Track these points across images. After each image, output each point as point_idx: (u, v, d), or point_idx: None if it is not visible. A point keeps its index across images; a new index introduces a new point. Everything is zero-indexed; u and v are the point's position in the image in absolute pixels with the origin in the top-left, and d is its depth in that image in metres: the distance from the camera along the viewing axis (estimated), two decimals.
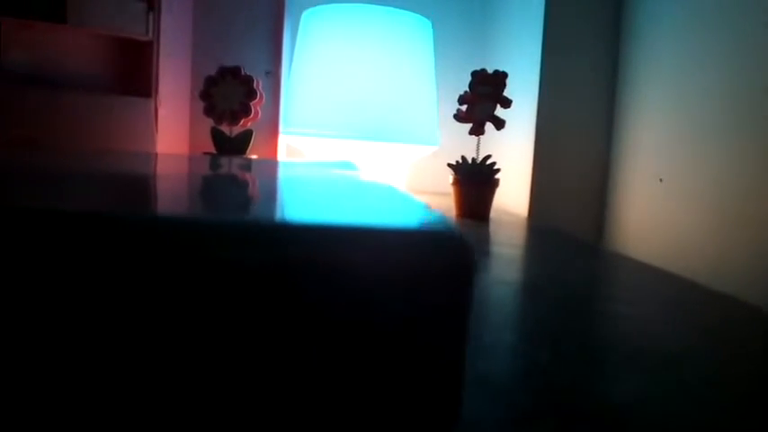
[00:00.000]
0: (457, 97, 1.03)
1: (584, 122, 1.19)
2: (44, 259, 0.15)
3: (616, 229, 1.16)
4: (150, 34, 1.23)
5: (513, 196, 1.23)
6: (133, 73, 1.29)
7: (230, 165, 0.51)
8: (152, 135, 1.23)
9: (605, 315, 0.46)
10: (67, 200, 0.23)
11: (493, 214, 1.03)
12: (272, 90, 1.39)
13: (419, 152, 1.26)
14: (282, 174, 0.42)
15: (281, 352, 0.17)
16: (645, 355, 0.36)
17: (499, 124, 0.99)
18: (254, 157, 1.08)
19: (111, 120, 1.23)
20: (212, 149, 1.09)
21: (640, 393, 0.30)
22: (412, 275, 0.17)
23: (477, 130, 1.00)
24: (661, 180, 1.02)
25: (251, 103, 1.05)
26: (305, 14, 1.26)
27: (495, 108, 0.99)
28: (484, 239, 0.82)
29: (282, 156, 1.46)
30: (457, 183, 1.01)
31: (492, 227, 0.94)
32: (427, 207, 0.23)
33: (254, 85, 1.06)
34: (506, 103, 0.99)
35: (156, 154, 1.12)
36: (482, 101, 1.00)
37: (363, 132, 1.16)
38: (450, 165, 1.02)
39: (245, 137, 1.07)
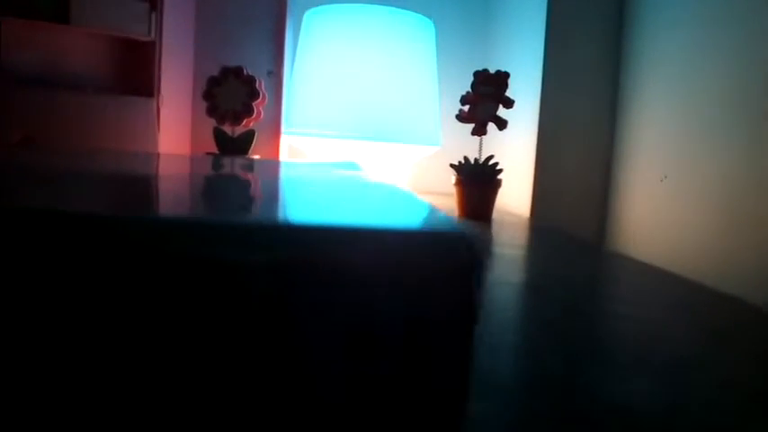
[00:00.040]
0: (459, 97, 1.02)
1: (586, 122, 1.19)
2: (47, 259, 0.15)
3: (618, 229, 1.15)
4: (152, 34, 1.23)
5: (515, 196, 1.23)
6: (135, 73, 1.29)
7: (236, 165, 0.51)
8: (154, 135, 1.23)
9: (610, 316, 0.46)
10: (70, 201, 0.23)
11: (495, 214, 1.03)
12: (274, 90, 1.39)
13: (421, 152, 1.25)
14: (290, 175, 0.41)
15: (292, 352, 0.17)
16: (652, 356, 0.36)
17: (501, 124, 0.99)
18: (256, 157, 1.08)
19: (113, 120, 1.23)
20: (214, 149, 1.09)
21: (649, 395, 0.30)
22: (422, 276, 0.17)
23: (480, 131, 1.00)
24: (663, 180, 1.01)
25: (253, 104, 1.05)
26: (307, 14, 1.26)
27: (497, 108, 0.99)
28: (487, 240, 0.81)
29: (284, 156, 1.46)
30: (459, 183, 1.01)
31: (494, 227, 0.94)
32: (434, 208, 0.23)
33: (257, 85, 1.06)
34: (509, 104, 0.99)
35: (159, 154, 1.12)
36: (484, 101, 1.00)
37: (365, 132, 1.16)
38: (452, 165, 1.02)
39: (248, 137, 1.07)
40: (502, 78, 0.99)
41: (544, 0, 1.16)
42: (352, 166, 0.49)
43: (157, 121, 1.24)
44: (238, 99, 1.05)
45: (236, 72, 1.06)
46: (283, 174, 0.42)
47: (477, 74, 1.01)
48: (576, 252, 0.80)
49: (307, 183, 0.35)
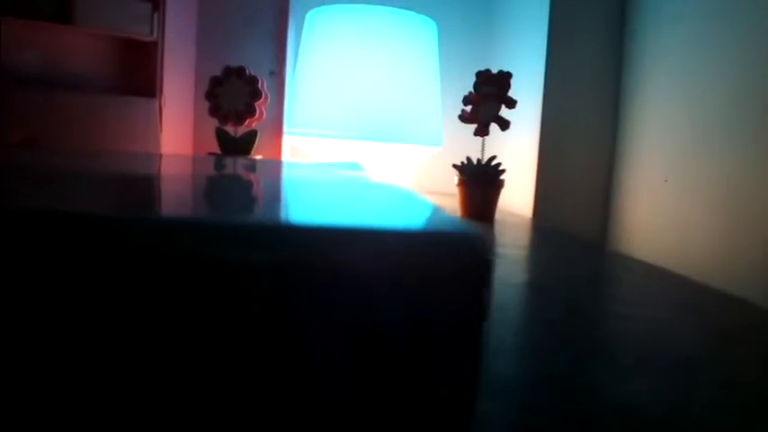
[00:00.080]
0: (461, 98, 1.02)
1: (589, 123, 1.19)
2: (49, 260, 0.15)
3: (621, 230, 1.15)
4: (155, 34, 1.23)
5: (517, 197, 1.23)
6: (137, 73, 1.29)
7: (240, 166, 0.51)
8: (156, 135, 1.23)
9: (614, 317, 0.46)
10: (70, 201, 0.22)
11: (497, 215, 1.03)
12: (277, 90, 1.39)
13: (423, 152, 1.25)
14: (295, 175, 0.41)
15: (298, 354, 0.16)
16: (657, 357, 0.36)
17: (504, 125, 0.99)
18: (258, 157, 1.08)
19: (115, 120, 1.23)
20: (216, 150, 1.09)
21: (654, 396, 0.30)
22: (431, 276, 0.17)
23: (482, 131, 1.00)
24: (666, 180, 1.01)
25: (256, 104, 1.05)
26: (309, 15, 1.26)
27: (499, 109, 0.99)
28: (489, 240, 0.81)
29: (286, 156, 1.46)
30: (462, 183, 1.01)
31: (497, 228, 0.94)
32: (440, 208, 0.23)
33: (259, 85, 1.06)
34: (511, 104, 0.99)
35: (161, 154, 1.12)
36: (487, 101, 0.99)
37: (367, 133, 1.16)
38: (455, 165, 1.02)
39: (250, 137, 1.07)
40: (504, 78, 0.99)
41: (546, 1, 1.16)
42: (355, 166, 0.48)
43: (160, 121, 1.24)
44: (241, 99, 1.05)
45: (239, 72, 1.06)
46: (288, 174, 0.42)
47: (479, 74, 1.00)
48: (580, 252, 0.80)
49: (311, 183, 0.35)
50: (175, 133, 1.33)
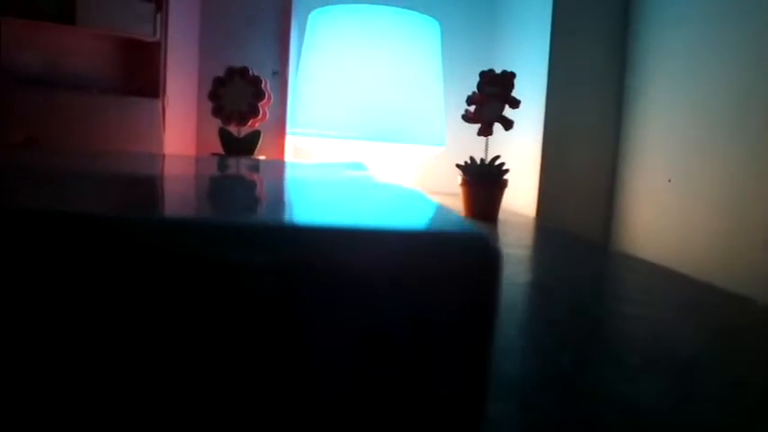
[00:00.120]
0: (464, 98, 1.02)
1: (592, 123, 1.18)
2: (51, 260, 0.15)
3: (624, 230, 1.15)
4: (157, 35, 1.23)
5: (520, 197, 1.23)
6: (140, 73, 1.29)
7: (244, 166, 0.51)
8: (159, 136, 1.23)
9: (619, 317, 0.46)
10: (73, 202, 0.22)
11: (501, 215, 1.03)
12: (279, 91, 1.39)
13: (426, 153, 1.25)
14: (301, 175, 0.41)
15: (307, 355, 0.16)
16: (662, 357, 0.36)
17: (507, 125, 0.99)
18: (262, 157, 1.08)
19: (117, 120, 1.23)
20: (219, 150, 1.09)
21: (660, 397, 0.29)
22: (442, 277, 0.16)
23: (486, 131, 1.00)
24: (670, 180, 1.01)
25: (259, 104, 1.05)
26: (312, 15, 1.26)
27: (503, 108, 0.99)
28: (494, 240, 0.81)
29: (289, 156, 1.46)
30: (466, 183, 1.01)
31: (500, 228, 0.94)
32: (448, 209, 0.23)
33: (262, 85, 1.06)
34: (515, 104, 0.99)
35: (165, 155, 1.12)
36: (490, 101, 0.99)
37: (370, 133, 1.16)
38: (458, 165, 1.02)
39: (253, 138, 1.07)
40: (508, 78, 0.99)
41: (549, 1, 1.16)
42: (360, 166, 0.48)
43: (162, 121, 1.24)
44: (244, 100, 1.05)
45: (242, 72, 1.06)
46: (295, 174, 0.42)
47: (483, 74, 1.00)
48: (583, 252, 0.80)
49: (318, 183, 0.35)
50: (178, 134, 1.33)
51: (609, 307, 0.50)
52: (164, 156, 1.00)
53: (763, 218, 0.80)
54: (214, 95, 1.06)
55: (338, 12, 1.21)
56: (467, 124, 1.02)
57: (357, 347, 0.17)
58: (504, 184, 1.01)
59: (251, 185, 0.37)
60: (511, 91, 0.99)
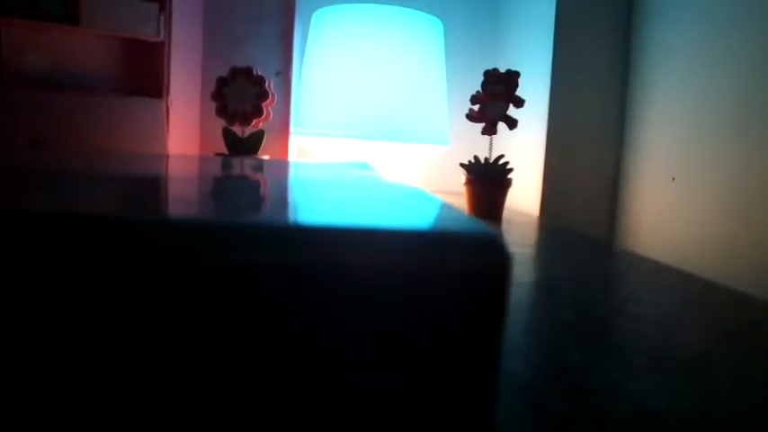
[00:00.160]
0: (468, 97, 1.02)
1: (595, 122, 1.18)
2: (55, 263, 0.15)
3: (628, 228, 1.15)
4: (161, 35, 1.24)
5: (524, 195, 1.23)
6: (144, 74, 1.29)
7: (249, 166, 0.51)
8: (163, 136, 1.24)
9: (626, 316, 0.46)
10: (80, 202, 0.22)
11: (505, 213, 1.03)
12: (283, 90, 1.39)
13: (430, 152, 1.25)
14: (307, 175, 0.41)
15: (317, 356, 0.16)
16: (669, 355, 0.36)
17: (512, 124, 0.99)
18: (266, 157, 1.08)
19: (121, 121, 1.23)
20: (223, 150, 1.09)
21: (670, 396, 0.29)
22: (453, 277, 0.16)
23: (490, 130, 1.00)
24: (674, 179, 1.01)
25: (263, 104, 1.06)
26: (315, 15, 1.26)
27: (507, 107, 0.99)
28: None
29: (293, 156, 1.46)
30: (470, 183, 1.01)
31: (504, 227, 0.94)
32: (457, 209, 0.23)
33: (266, 85, 1.06)
34: (519, 103, 0.99)
35: (169, 155, 1.12)
36: (494, 100, 0.99)
37: (374, 132, 1.16)
38: (462, 165, 1.02)
39: (257, 137, 1.07)
40: (512, 78, 0.99)
41: (553, 0, 1.16)
42: (366, 166, 0.48)
43: (167, 121, 1.24)
44: (248, 100, 1.05)
45: (246, 72, 1.06)
46: (303, 174, 0.42)
47: (487, 73, 1.00)
48: (587, 251, 0.80)
49: (325, 183, 0.35)
50: (182, 134, 1.33)
51: (615, 305, 0.50)
52: (168, 156, 1.00)
53: (767, 215, 0.80)
54: (218, 95, 1.06)
55: (341, 11, 1.21)
56: (470, 123, 1.02)
57: (368, 348, 0.17)
58: (508, 183, 1.01)
59: (268, 186, 0.37)
60: (515, 90, 0.99)
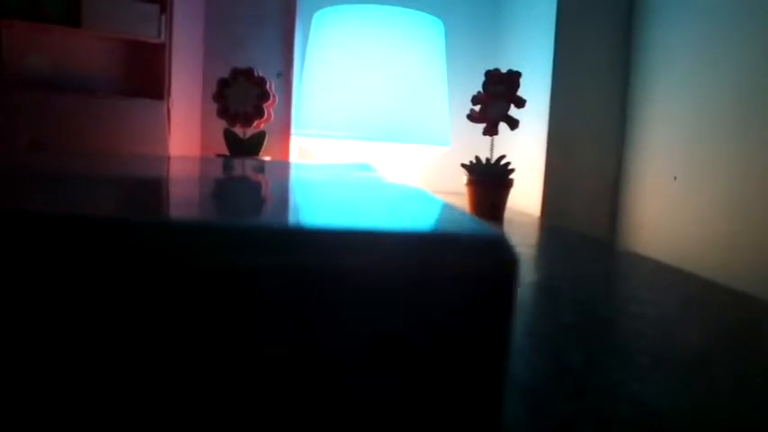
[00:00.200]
0: (469, 97, 1.02)
1: (597, 122, 1.18)
2: (56, 265, 0.15)
3: (630, 229, 1.15)
4: (162, 36, 1.24)
5: (525, 196, 1.23)
6: (145, 75, 1.29)
7: (253, 168, 0.51)
8: (164, 137, 1.24)
9: (627, 316, 0.46)
10: (81, 204, 0.22)
11: (506, 214, 1.03)
12: (284, 91, 1.39)
13: (431, 152, 1.25)
14: (308, 177, 0.41)
15: (321, 359, 0.16)
16: (671, 355, 0.36)
17: (513, 124, 0.99)
18: (267, 158, 1.08)
19: (122, 122, 1.23)
20: (224, 151, 1.09)
21: (671, 395, 0.29)
22: (459, 280, 0.16)
23: (491, 130, 1.00)
24: (675, 178, 1.01)
25: (264, 105, 1.05)
26: (316, 15, 1.26)
27: (508, 108, 0.99)
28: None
29: (294, 157, 1.46)
30: (471, 183, 1.01)
31: (506, 227, 0.94)
32: (462, 210, 0.23)
33: (267, 86, 1.06)
34: (520, 103, 0.99)
35: (170, 156, 1.12)
36: (496, 100, 0.99)
37: (375, 133, 1.16)
38: (463, 165, 1.02)
39: (259, 138, 1.07)
40: (514, 78, 0.99)
41: (554, 0, 1.16)
42: (367, 167, 0.48)
43: (168, 122, 1.24)
44: (249, 101, 1.05)
45: (247, 74, 1.06)
46: (305, 175, 0.42)
47: (488, 73, 1.00)
48: (589, 251, 0.80)
49: (326, 184, 0.35)
50: (183, 135, 1.33)
51: (617, 305, 0.50)
52: (169, 157, 1.00)
53: None
54: (219, 97, 1.06)
55: (342, 12, 1.21)
56: (472, 124, 1.02)
57: (372, 351, 0.17)
58: (509, 183, 1.01)
59: (271, 188, 0.37)
60: (516, 90, 0.99)
